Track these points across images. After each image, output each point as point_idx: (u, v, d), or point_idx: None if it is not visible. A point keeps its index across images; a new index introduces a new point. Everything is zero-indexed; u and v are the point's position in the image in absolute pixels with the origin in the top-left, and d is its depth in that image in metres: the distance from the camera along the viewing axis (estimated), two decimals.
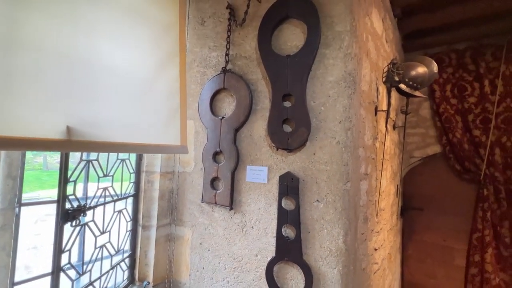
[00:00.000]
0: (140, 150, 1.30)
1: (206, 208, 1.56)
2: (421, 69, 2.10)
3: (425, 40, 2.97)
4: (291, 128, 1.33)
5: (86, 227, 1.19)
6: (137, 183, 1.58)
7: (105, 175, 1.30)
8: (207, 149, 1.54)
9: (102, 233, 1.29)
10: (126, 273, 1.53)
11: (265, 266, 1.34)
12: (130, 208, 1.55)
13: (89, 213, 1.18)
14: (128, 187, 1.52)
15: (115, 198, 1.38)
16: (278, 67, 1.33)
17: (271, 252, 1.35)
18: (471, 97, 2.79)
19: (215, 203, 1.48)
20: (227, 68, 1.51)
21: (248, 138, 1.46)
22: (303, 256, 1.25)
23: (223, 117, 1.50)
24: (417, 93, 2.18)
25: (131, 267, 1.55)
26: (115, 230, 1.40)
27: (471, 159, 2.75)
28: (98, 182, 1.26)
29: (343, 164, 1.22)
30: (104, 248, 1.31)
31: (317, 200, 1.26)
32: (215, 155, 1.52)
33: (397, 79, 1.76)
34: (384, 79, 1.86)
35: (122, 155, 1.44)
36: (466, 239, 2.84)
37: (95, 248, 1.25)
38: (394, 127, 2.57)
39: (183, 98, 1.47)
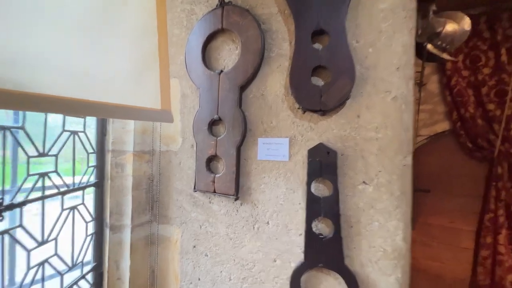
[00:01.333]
0: (95, 112, 0.83)
1: (201, 198, 1.14)
2: (450, 26, 1.76)
3: (436, 3, 2.65)
4: (323, 80, 0.93)
5: (7, 236, 0.73)
6: (100, 168, 1.12)
7: (41, 154, 0.83)
8: (200, 117, 1.10)
9: (41, 243, 0.83)
10: None
11: (289, 276, 0.96)
12: (91, 203, 1.10)
13: (13, 214, 0.72)
14: (86, 174, 1.05)
15: (62, 189, 0.92)
16: None
17: (296, 256, 0.97)
18: (485, 68, 2.54)
19: (214, 192, 1.07)
20: (226, 0, 1.05)
21: (259, 99, 1.04)
22: (345, 260, 0.89)
23: (221, 71, 1.06)
24: (445, 56, 1.86)
25: (97, 284, 1.11)
26: (67, 236, 0.94)
27: (485, 136, 2.53)
28: (28, 164, 0.79)
29: (403, 129, 0.85)
30: (47, 265, 0.86)
31: (364, 182, 0.89)
32: (212, 124, 1.09)
33: (438, 30, 1.40)
34: (420, 30, 1.50)
35: (72, 125, 0.97)
36: (474, 220, 2.68)
37: (29, 267, 0.80)
38: None
39: (163, 42, 1.00)
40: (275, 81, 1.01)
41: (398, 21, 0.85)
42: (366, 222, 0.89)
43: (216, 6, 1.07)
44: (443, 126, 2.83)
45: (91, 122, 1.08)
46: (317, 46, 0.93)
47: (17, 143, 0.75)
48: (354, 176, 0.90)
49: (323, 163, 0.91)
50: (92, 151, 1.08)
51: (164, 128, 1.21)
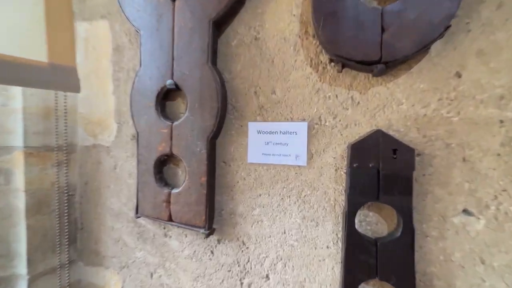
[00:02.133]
0: None
1: (151, 228, 0.67)
2: None
3: None
4: (380, 4, 0.45)
5: None
6: None
7: None
8: (142, 83, 0.60)
9: None
10: None
11: None
12: None
13: None
14: None
15: None
16: None
17: None
18: None
19: (170, 220, 0.59)
20: None
21: (250, 46, 0.55)
22: None
23: None
24: None
25: None
26: None
27: None
28: None
29: None
30: None
31: (466, 211, 0.43)
32: (163, 98, 0.60)
33: None
34: None
35: None
36: None
37: None
38: None
39: None
40: (280, 11, 0.52)
41: None
42: None
43: None
44: None
45: None
46: None
47: None
48: (446, 198, 0.44)
49: (382, 173, 0.44)
50: None
51: (84, 105, 0.70)
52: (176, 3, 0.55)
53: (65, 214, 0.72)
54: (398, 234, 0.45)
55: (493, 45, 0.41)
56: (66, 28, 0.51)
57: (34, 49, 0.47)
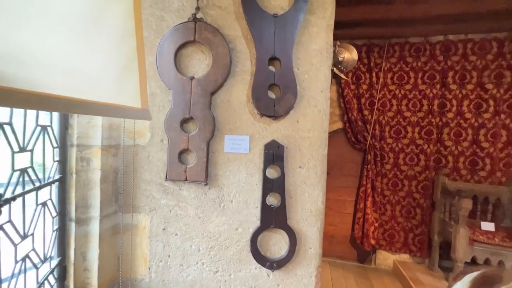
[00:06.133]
0: (85, 110, 0.89)
1: (171, 187, 1.31)
2: (347, 55, 2.48)
3: (334, 32, 3.46)
4: (275, 95, 1.28)
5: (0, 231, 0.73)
6: (63, 163, 1.10)
7: (22, 149, 0.82)
8: (172, 115, 1.25)
9: (24, 237, 0.84)
10: None
11: (248, 238, 1.29)
12: (54, 198, 1.08)
13: (4, 209, 0.73)
14: (51, 169, 1.03)
15: (37, 184, 0.91)
16: (264, 26, 1.22)
17: (253, 223, 1.31)
18: (364, 85, 3.56)
19: (185, 180, 1.26)
20: (198, 16, 1.24)
21: (225, 103, 1.29)
22: (287, 221, 1.30)
23: (193, 77, 1.24)
24: (342, 76, 2.58)
25: (61, 278, 1.11)
26: (40, 231, 0.94)
27: (362, 133, 3.59)
28: (13, 160, 0.78)
29: (323, 131, 1.31)
30: (27, 260, 0.86)
31: (300, 166, 1.31)
32: (183, 122, 1.27)
33: (340, 59, 2.00)
34: None
35: (42, 120, 0.95)
36: (354, 193, 3.77)
37: (16, 261, 0.80)
38: None
39: (140, 44, 1.10)
40: (239, 91, 1.29)
41: (322, 59, 1.29)
42: (301, 193, 1.32)
43: (188, 19, 1.23)
44: (338, 125, 3.79)
45: (55, 115, 1.05)
46: (272, 68, 1.26)
47: (6, 138, 0.74)
48: (294, 162, 1.31)
49: (275, 154, 1.27)
50: (56, 145, 1.06)
51: (131, 123, 1.28)
52: (193, 81, 1.24)
53: (115, 184, 1.26)
54: (279, 175, 1.28)
55: (303, 113, 1.30)
56: (145, 86, 1.11)
57: (134, 100, 1.06)
